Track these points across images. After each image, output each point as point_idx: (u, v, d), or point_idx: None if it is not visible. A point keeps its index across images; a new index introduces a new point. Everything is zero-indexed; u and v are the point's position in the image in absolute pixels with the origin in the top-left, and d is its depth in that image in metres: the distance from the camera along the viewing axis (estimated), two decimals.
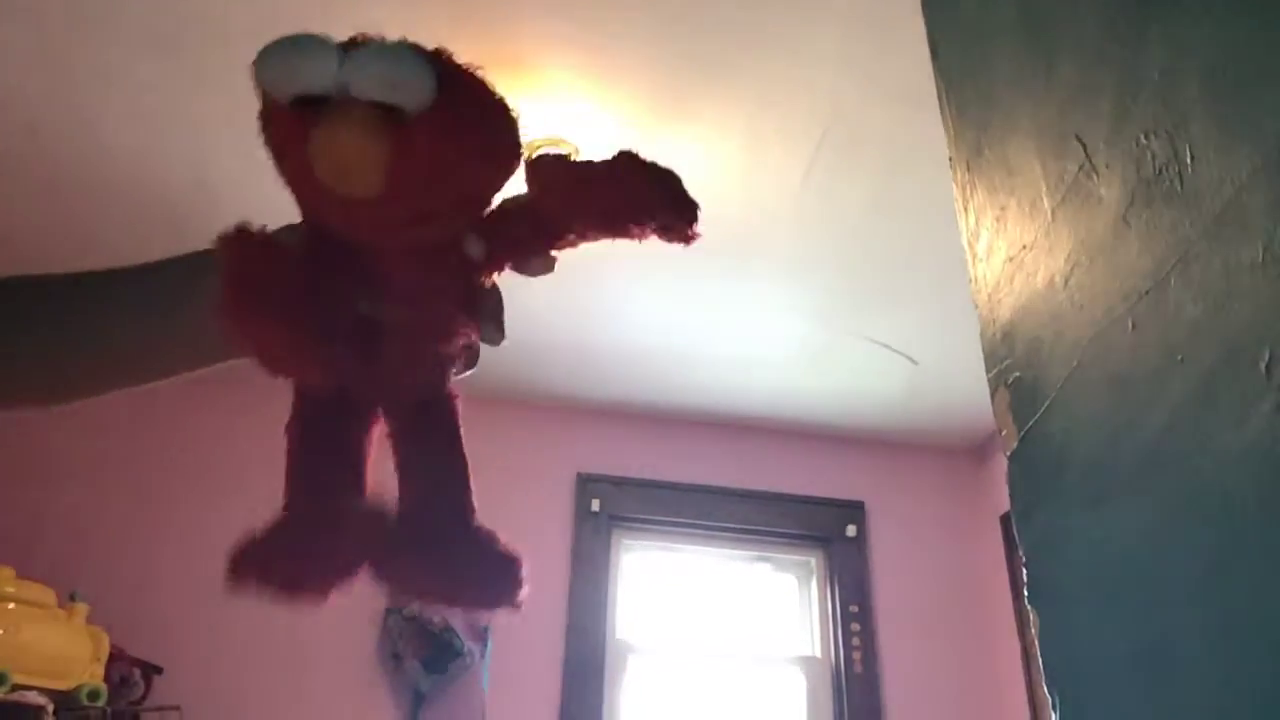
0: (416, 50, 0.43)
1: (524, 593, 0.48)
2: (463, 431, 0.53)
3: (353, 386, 0.51)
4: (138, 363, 0.57)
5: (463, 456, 0.52)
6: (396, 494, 0.51)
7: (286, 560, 0.49)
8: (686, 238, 0.48)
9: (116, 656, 2.39)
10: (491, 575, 0.48)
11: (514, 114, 0.47)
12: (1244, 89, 0.40)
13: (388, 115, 0.42)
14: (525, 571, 0.48)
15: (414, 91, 0.42)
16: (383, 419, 0.52)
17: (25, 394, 0.57)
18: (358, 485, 0.50)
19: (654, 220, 0.48)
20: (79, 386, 0.58)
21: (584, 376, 3.06)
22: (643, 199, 0.48)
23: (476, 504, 0.52)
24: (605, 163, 0.48)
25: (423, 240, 0.48)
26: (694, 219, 0.48)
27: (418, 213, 0.46)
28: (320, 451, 0.51)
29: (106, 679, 2.30)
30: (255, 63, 0.43)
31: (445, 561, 0.48)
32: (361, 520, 0.49)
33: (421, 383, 0.52)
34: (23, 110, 2.10)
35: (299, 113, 0.43)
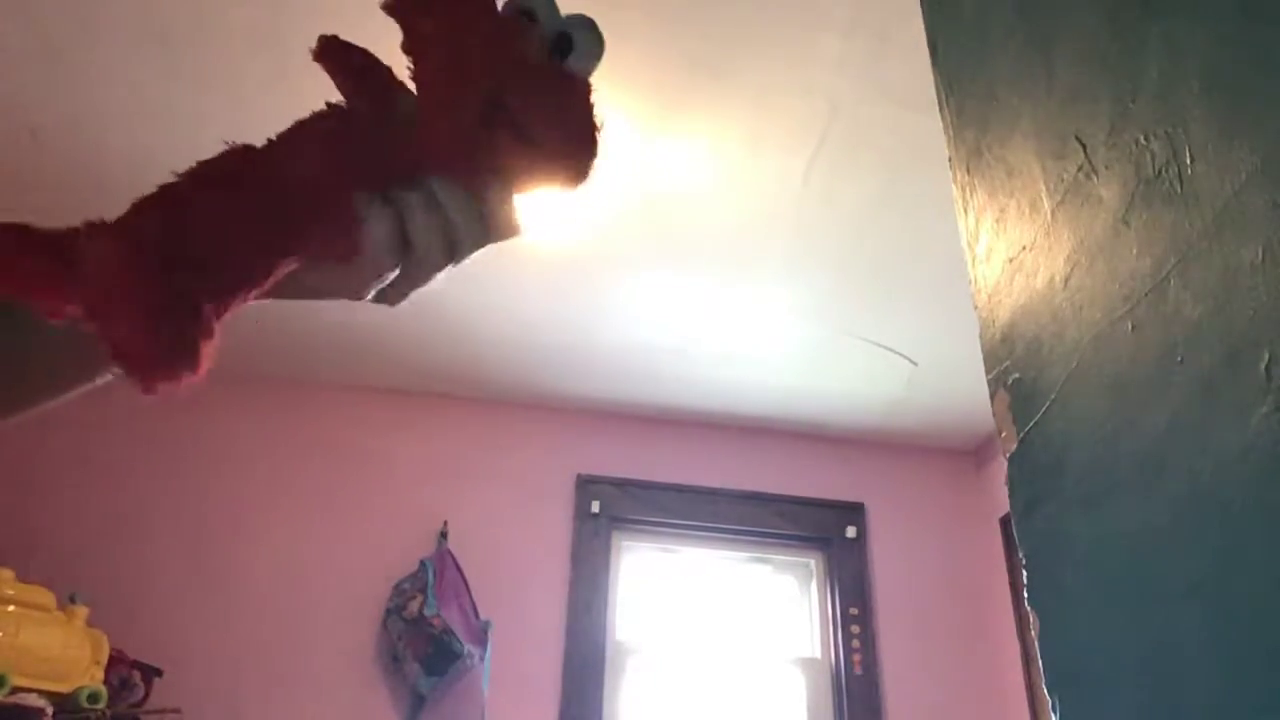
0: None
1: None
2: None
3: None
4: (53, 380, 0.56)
5: None
6: None
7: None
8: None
9: (116, 659, 2.38)
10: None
11: None
12: (1244, 89, 0.40)
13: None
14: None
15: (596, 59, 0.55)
16: None
17: None
18: None
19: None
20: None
21: (584, 377, 3.06)
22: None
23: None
24: None
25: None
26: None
27: None
28: None
29: (106, 681, 2.29)
30: None
31: None
32: None
33: None
34: (23, 111, 2.10)
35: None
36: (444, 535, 2.87)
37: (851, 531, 3.18)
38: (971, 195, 0.63)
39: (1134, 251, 0.46)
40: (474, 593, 2.80)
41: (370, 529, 2.92)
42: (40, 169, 2.25)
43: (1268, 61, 0.38)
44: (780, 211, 2.32)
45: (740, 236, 2.42)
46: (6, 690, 2.01)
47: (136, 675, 2.47)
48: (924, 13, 0.73)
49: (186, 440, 2.97)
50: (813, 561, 3.22)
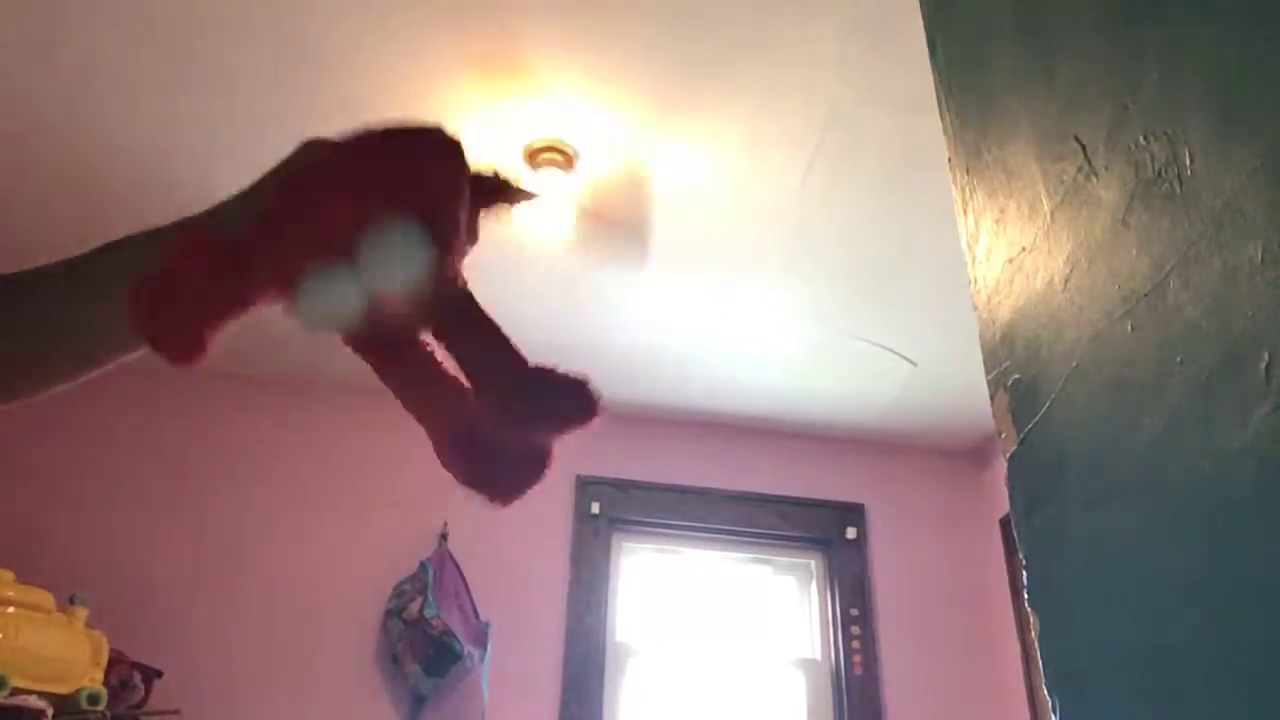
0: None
1: (601, 405, 0.55)
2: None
3: (388, 324, 0.54)
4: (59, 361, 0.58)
5: (500, 332, 0.58)
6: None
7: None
8: None
9: (116, 660, 2.38)
10: (569, 398, 0.56)
11: None
12: (1243, 89, 0.40)
13: None
14: (595, 388, 0.55)
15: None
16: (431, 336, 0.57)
17: None
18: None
19: None
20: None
21: None
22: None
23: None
24: None
25: None
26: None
27: None
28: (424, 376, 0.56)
29: (106, 683, 2.29)
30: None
31: (530, 400, 0.55)
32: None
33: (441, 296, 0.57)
34: (25, 110, 2.10)
35: None
36: (444, 536, 2.87)
37: (851, 532, 3.18)
38: (971, 196, 0.63)
39: (1134, 252, 0.46)
40: (474, 594, 2.80)
41: (370, 530, 2.92)
42: (42, 169, 2.25)
43: (1268, 61, 0.38)
44: (779, 212, 2.33)
45: (740, 238, 2.42)
46: (7, 692, 2.01)
47: (137, 676, 2.47)
48: (923, 14, 0.73)
49: (187, 441, 2.97)
50: (813, 562, 3.22)
